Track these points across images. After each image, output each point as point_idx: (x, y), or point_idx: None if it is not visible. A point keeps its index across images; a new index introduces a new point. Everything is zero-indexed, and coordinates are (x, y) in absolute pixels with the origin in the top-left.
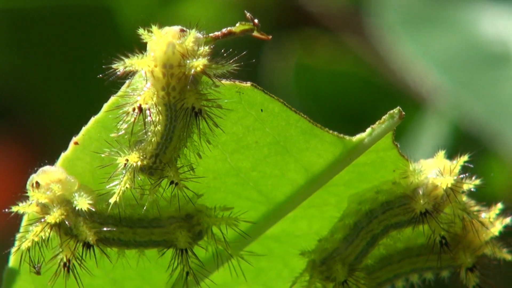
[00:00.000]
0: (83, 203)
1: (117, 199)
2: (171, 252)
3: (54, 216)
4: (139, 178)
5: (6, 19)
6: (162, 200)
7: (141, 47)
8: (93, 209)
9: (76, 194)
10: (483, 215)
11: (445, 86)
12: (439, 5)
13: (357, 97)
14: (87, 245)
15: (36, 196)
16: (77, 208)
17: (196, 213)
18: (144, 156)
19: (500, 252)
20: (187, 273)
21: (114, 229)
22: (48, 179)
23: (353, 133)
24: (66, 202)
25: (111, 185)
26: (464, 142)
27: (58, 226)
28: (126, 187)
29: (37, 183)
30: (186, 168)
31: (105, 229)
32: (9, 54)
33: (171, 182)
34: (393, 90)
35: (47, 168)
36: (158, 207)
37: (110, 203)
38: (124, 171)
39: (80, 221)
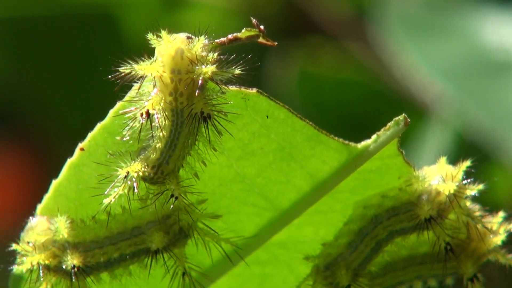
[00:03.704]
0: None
1: (111, 201)
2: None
3: (41, 257)
4: (136, 191)
5: (10, 27)
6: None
7: (147, 54)
8: (76, 241)
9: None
10: (487, 222)
11: (448, 94)
12: (443, 13)
13: (360, 105)
14: (77, 272)
15: (32, 259)
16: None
17: (173, 213)
18: (146, 166)
19: (505, 259)
20: (184, 274)
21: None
22: (35, 236)
23: (356, 141)
24: (51, 243)
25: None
26: (468, 150)
27: (47, 268)
28: (124, 192)
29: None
30: (187, 182)
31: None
32: (12, 61)
33: (171, 196)
34: (397, 98)
35: (30, 225)
36: (134, 215)
37: (104, 203)
38: (124, 180)
39: (66, 254)
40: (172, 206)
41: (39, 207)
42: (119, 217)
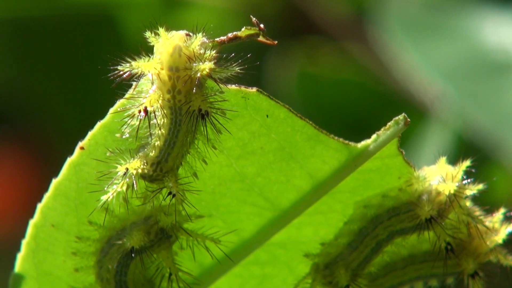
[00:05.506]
0: None
1: (109, 197)
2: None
3: None
4: (136, 189)
5: (10, 28)
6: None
7: (146, 53)
8: None
9: None
10: (487, 221)
11: (448, 95)
12: (442, 13)
13: (360, 106)
14: None
15: None
16: None
17: (154, 213)
18: (145, 163)
19: (506, 259)
20: (170, 274)
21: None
22: None
23: (355, 141)
24: None
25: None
26: (467, 150)
27: None
28: (123, 189)
29: None
30: (186, 180)
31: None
32: (12, 61)
33: (169, 193)
34: (396, 99)
35: None
36: (120, 218)
37: (102, 199)
38: (123, 177)
39: None
40: (169, 203)
41: (39, 206)
42: (108, 224)
